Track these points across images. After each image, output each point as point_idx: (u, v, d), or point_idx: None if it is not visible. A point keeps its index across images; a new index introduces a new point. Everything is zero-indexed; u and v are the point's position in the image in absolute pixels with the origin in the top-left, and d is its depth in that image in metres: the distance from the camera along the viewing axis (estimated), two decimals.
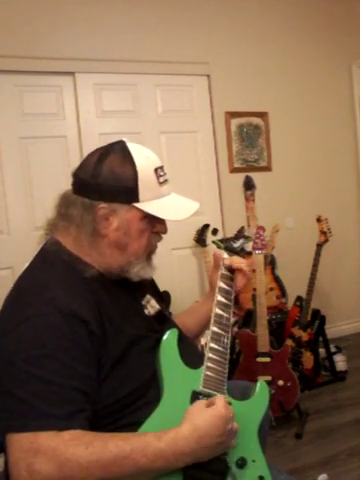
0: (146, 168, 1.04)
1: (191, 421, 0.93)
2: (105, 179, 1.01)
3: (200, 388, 1.03)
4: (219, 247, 1.26)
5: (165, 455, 0.88)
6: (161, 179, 1.06)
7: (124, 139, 1.08)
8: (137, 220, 1.03)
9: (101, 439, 0.88)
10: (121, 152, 1.04)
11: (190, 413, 0.95)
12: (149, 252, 1.10)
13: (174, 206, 1.08)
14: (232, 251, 1.24)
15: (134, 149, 1.05)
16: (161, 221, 1.08)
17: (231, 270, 1.21)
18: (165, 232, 1.11)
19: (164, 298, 1.36)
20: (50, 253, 1.05)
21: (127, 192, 1.02)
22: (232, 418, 0.96)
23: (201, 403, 0.97)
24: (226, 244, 1.26)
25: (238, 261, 1.22)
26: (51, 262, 1.03)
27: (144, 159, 1.04)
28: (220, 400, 0.96)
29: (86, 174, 1.03)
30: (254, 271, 2.54)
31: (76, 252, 1.05)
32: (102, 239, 1.04)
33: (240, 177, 3.35)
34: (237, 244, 1.26)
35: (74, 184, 1.07)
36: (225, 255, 1.24)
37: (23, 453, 0.84)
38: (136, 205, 1.02)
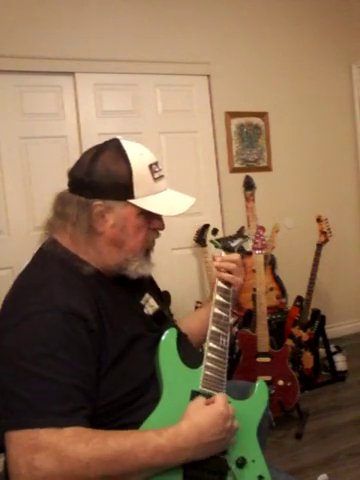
0: (140, 164, 1.04)
1: (190, 418, 0.93)
2: (99, 176, 1.01)
3: (199, 388, 1.03)
4: (217, 246, 1.26)
5: (165, 451, 0.89)
6: (156, 175, 1.06)
7: (118, 137, 1.08)
8: (133, 216, 1.04)
9: (101, 436, 0.88)
10: (115, 149, 1.04)
11: (189, 411, 0.96)
12: (147, 249, 1.10)
13: (169, 201, 1.08)
14: (229, 250, 1.24)
15: (128, 146, 1.05)
16: (158, 217, 1.08)
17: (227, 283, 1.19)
18: (162, 228, 1.11)
19: (164, 298, 1.36)
20: (47, 252, 1.05)
21: (122, 189, 1.02)
22: (232, 416, 0.97)
23: (200, 401, 0.98)
24: (224, 243, 1.25)
25: (227, 268, 1.18)
26: (48, 261, 1.03)
27: (138, 156, 1.04)
28: (220, 398, 0.97)
29: (81, 172, 1.04)
30: (254, 271, 2.54)
31: (73, 250, 1.05)
32: (99, 236, 1.04)
33: (240, 177, 3.35)
34: (235, 243, 1.25)
35: (70, 183, 1.07)
36: (223, 254, 1.23)
37: (23, 450, 0.84)
38: (131, 201, 1.02)
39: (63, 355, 0.90)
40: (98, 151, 1.04)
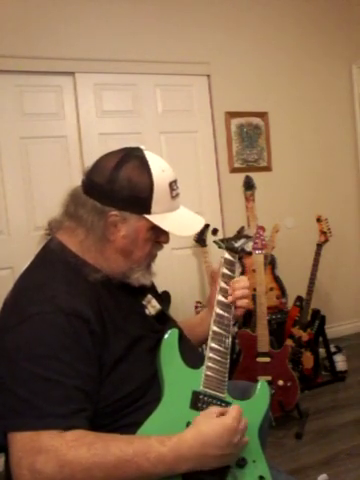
0: (162, 181, 1.04)
1: (197, 426, 0.92)
2: (120, 186, 1.01)
3: (200, 388, 1.03)
4: (220, 247, 1.26)
5: (167, 460, 0.88)
6: (174, 193, 1.07)
7: (142, 147, 1.08)
8: (145, 230, 1.04)
9: (103, 441, 0.88)
10: (139, 161, 1.03)
11: (198, 419, 0.95)
12: (150, 260, 1.11)
13: (183, 221, 1.09)
14: (233, 251, 1.24)
15: (151, 160, 1.05)
16: (165, 232, 1.09)
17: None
18: (167, 242, 1.12)
19: (164, 298, 1.36)
20: (53, 253, 1.05)
21: (140, 203, 1.02)
22: (242, 432, 0.95)
23: (213, 410, 0.96)
24: (227, 244, 1.26)
25: (238, 289, 1.17)
26: (53, 262, 1.03)
27: (160, 172, 1.04)
28: (233, 411, 0.95)
29: (101, 178, 1.02)
30: (254, 271, 2.54)
31: (81, 254, 1.05)
32: (109, 244, 1.04)
33: (240, 177, 3.35)
34: (238, 244, 1.26)
35: (85, 185, 1.05)
36: (226, 254, 1.24)
37: (25, 452, 0.85)
38: (147, 216, 1.03)
39: (65, 356, 0.90)
40: (122, 159, 1.03)
